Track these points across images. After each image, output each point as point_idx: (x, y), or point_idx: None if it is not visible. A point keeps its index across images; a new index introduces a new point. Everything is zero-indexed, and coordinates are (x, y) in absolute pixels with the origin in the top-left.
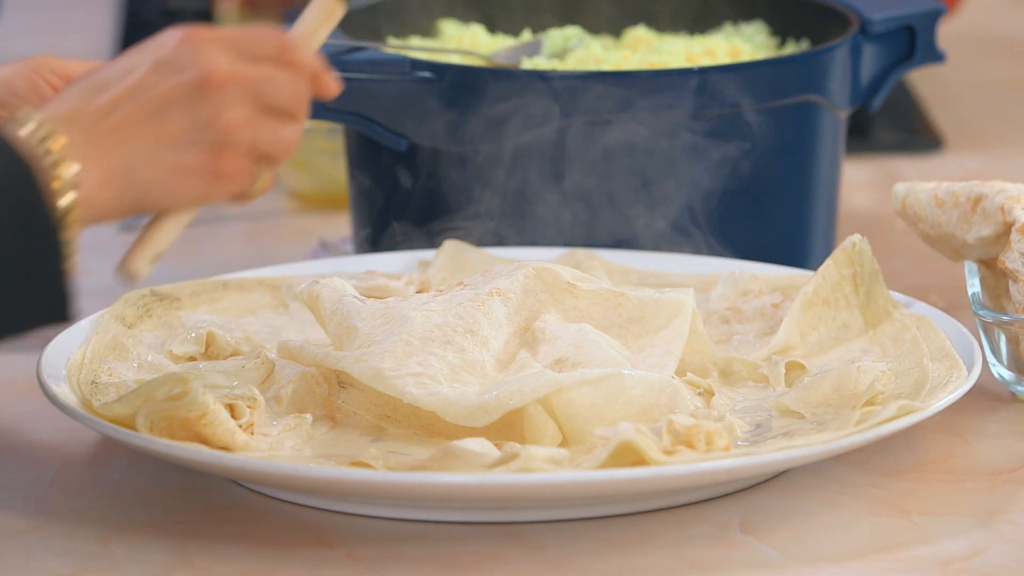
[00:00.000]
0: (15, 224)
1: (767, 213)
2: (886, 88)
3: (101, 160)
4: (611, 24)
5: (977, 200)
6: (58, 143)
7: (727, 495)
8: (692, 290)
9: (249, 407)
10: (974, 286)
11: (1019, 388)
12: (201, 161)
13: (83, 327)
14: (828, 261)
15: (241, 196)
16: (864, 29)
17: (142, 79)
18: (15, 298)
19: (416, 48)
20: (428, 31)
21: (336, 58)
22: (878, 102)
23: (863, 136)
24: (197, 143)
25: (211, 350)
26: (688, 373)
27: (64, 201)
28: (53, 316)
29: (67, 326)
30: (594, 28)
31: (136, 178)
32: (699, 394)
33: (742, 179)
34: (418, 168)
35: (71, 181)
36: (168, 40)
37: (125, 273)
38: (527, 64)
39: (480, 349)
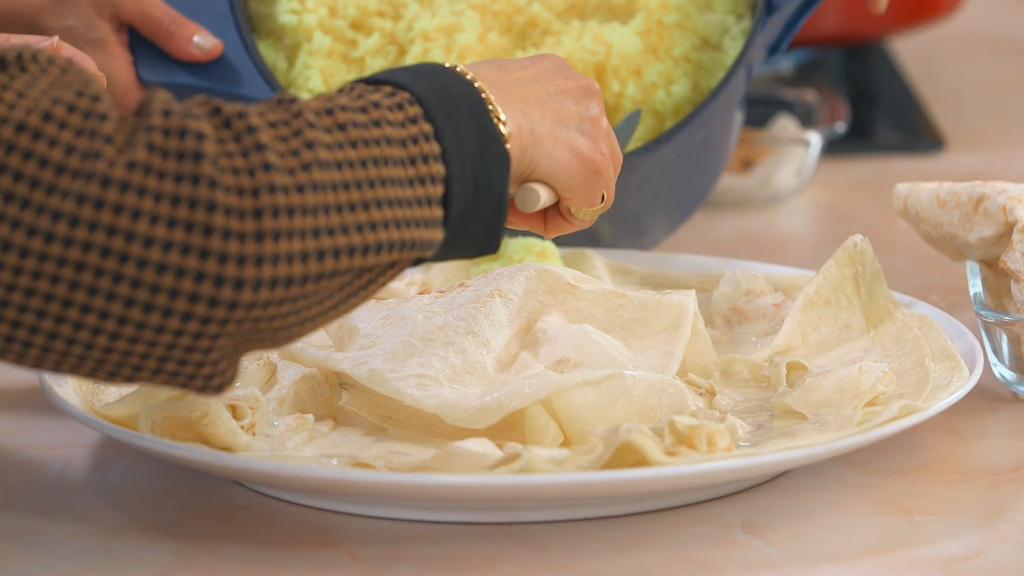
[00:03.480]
0: (477, 131)
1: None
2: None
3: (511, 120)
4: None
5: (979, 200)
6: (487, 93)
7: (729, 495)
8: (694, 291)
9: (251, 408)
10: (976, 286)
11: (1021, 388)
12: (585, 147)
13: None
14: (830, 261)
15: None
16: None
17: (542, 71)
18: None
19: None
20: None
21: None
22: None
23: (864, 136)
24: (584, 132)
25: None
26: (689, 374)
27: (503, 129)
28: (486, 245)
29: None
30: None
31: (537, 143)
32: (700, 394)
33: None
34: None
35: (503, 120)
36: (553, 58)
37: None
38: None
39: (481, 350)
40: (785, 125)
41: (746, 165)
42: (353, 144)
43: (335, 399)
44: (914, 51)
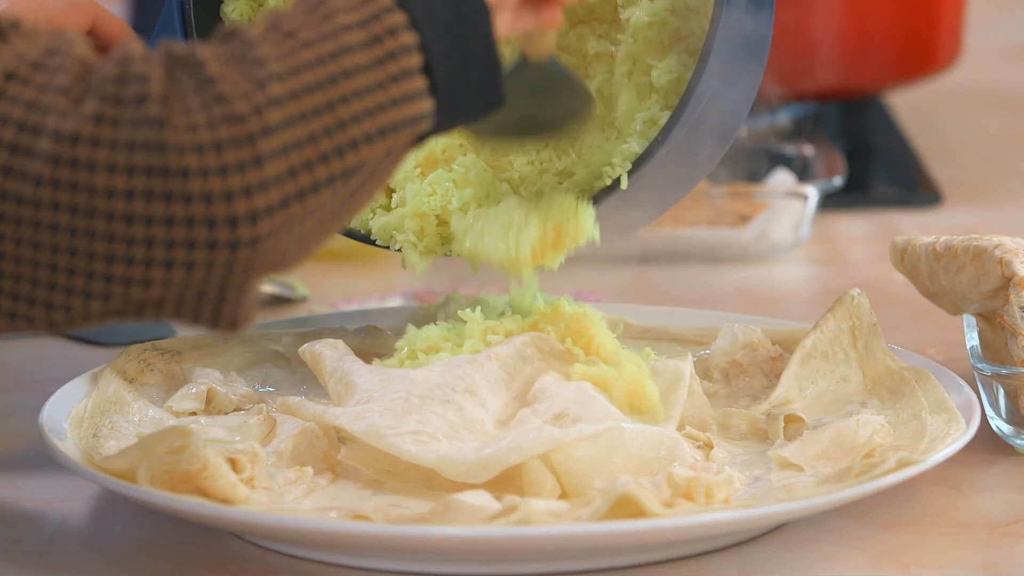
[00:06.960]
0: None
1: None
2: None
3: None
4: None
5: (976, 254)
6: None
7: (727, 548)
8: (690, 356)
9: (250, 461)
10: (972, 339)
11: (1018, 441)
12: None
13: (84, 381)
14: (827, 315)
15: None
16: None
17: None
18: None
19: None
20: None
21: None
22: None
23: (863, 191)
24: None
25: (212, 406)
26: (687, 427)
27: None
28: (490, 101)
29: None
30: None
31: None
32: (698, 447)
33: None
34: None
35: None
36: None
37: None
38: None
39: (479, 409)
40: (782, 179)
41: (743, 219)
42: (307, 45)
43: (333, 453)
44: (911, 105)
